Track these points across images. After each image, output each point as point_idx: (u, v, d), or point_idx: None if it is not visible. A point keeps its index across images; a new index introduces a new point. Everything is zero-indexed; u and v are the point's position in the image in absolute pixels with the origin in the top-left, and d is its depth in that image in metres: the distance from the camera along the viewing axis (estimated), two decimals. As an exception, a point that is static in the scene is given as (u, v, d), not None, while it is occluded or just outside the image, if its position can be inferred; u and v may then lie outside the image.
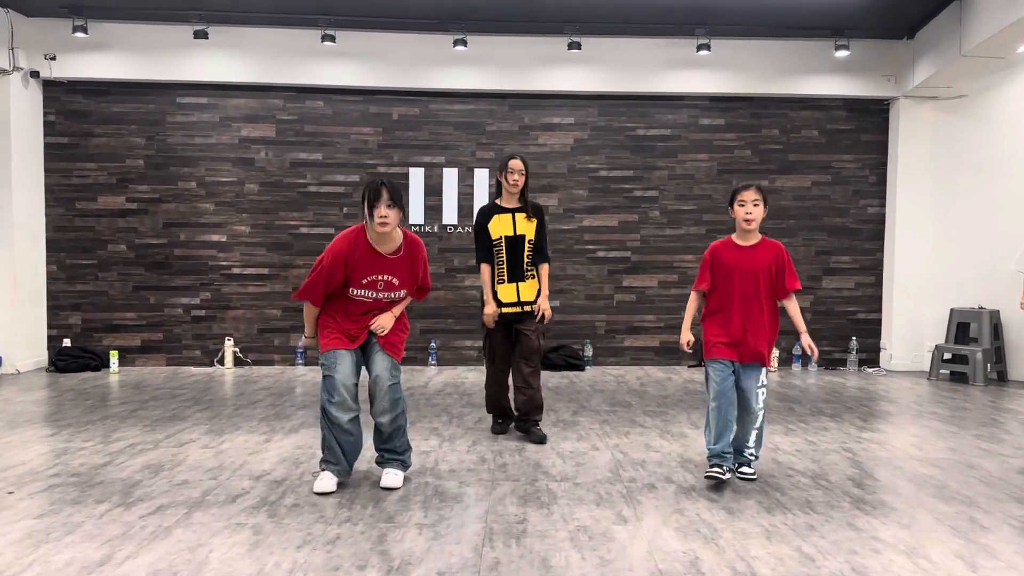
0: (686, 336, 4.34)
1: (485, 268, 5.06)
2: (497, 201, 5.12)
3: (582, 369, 8.25)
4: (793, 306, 4.27)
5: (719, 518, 3.65)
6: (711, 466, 4.19)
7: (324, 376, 3.95)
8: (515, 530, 3.47)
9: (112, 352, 7.87)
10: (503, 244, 5.01)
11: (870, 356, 8.59)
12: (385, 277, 3.97)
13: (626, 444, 5.06)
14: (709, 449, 4.25)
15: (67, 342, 8.07)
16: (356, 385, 3.98)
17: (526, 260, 5.03)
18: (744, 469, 4.27)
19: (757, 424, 4.24)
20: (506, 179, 5.02)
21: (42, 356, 8.06)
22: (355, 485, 4.10)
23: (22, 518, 3.55)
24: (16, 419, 5.62)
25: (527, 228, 5.04)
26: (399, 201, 3.87)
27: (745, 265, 4.17)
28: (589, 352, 8.42)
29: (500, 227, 5.03)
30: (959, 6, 6.99)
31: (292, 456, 4.67)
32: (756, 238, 4.24)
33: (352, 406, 3.94)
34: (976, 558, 3.21)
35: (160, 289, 8.22)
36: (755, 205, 4.16)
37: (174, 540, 3.30)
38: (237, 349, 8.20)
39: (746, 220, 4.17)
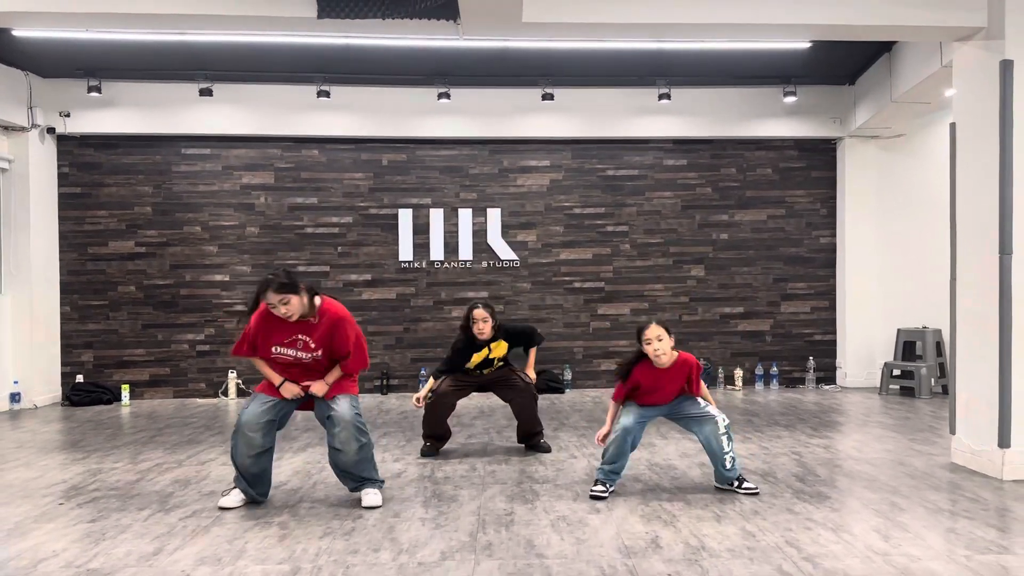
0: (606, 431, 4.63)
1: (434, 381, 5.69)
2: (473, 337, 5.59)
3: (562, 391, 8.88)
4: (703, 392, 4.69)
5: (678, 507, 4.28)
6: (596, 482, 4.56)
7: (240, 413, 4.34)
8: (504, 520, 4.08)
9: (124, 386, 8.43)
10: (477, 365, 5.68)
11: (827, 374, 9.30)
12: (302, 337, 4.29)
13: (600, 453, 5.67)
14: (601, 468, 4.60)
15: (80, 378, 8.59)
16: (267, 424, 4.30)
17: (496, 363, 5.71)
18: (747, 485, 4.52)
19: (721, 430, 4.47)
20: (472, 329, 5.52)
21: (57, 392, 8.57)
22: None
23: (77, 523, 4.10)
24: (46, 446, 6.15)
25: (499, 351, 5.67)
26: (294, 290, 4.15)
27: (663, 383, 4.54)
28: (568, 376, 9.07)
29: (477, 359, 5.62)
30: (888, 58, 7.84)
31: (303, 470, 5.24)
32: (670, 361, 4.51)
33: (254, 444, 4.26)
34: (890, 532, 3.86)
35: (167, 327, 8.78)
36: (659, 340, 4.41)
37: (213, 535, 3.88)
38: (240, 381, 8.76)
39: (656, 357, 4.45)
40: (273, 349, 4.33)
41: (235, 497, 4.37)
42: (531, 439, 5.78)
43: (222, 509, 4.29)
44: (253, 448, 4.28)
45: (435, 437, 5.71)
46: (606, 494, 4.47)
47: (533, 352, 5.89)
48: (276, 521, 4.09)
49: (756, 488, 4.53)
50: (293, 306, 4.18)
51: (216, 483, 4.88)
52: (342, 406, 4.32)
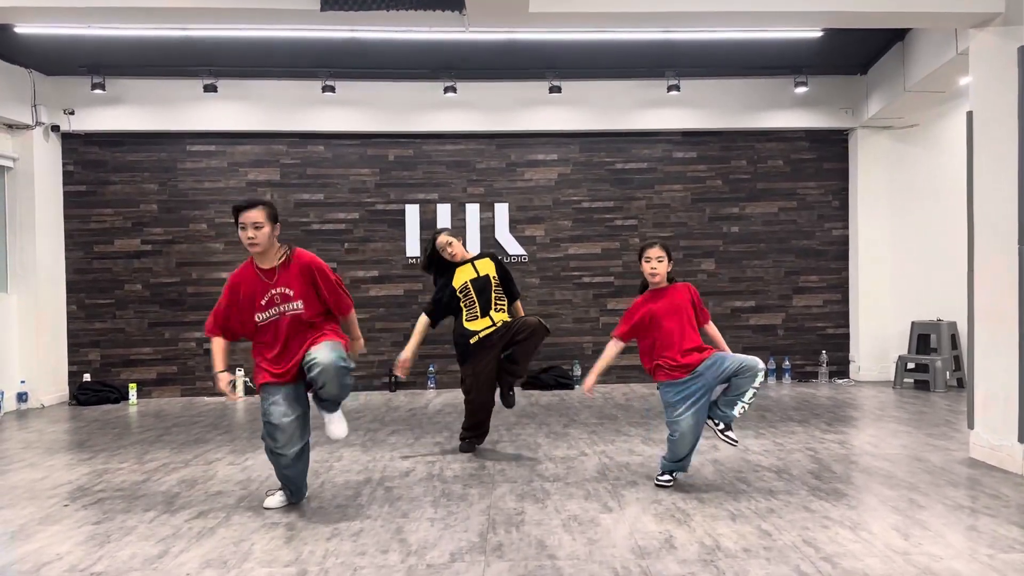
0: (591, 382, 4.60)
1: (423, 319, 5.42)
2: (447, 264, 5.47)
3: (571, 388, 8.80)
4: (712, 331, 4.62)
5: (692, 505, 4.20)
6: (662, 473, 4.58)
7: (263, 420, 4.07)
8: (515, 520, 4.01)
9: (131, 385, 8.39)
10: (470, 288, 5.35)
11: (840, 368, 9.18)
12: (279, 290, 4.05)
13: (612, 450, 5.60)
14: (668, 465, 4.56)
15: (87, 377, 8.56)
16: (297, 419, 4.06)
17: (495, 297, 5.36)
18: (730, 434, 4.43)
19: (758, 381, 4.31)
20: (445, 254, 5.39)
21: (64, 391, 8.54)
22: (370, 491, 4.63)
23: (82, 525, 4.05)
24: (52, 447, 6.11)
25: (488, 268, 5.42)
26: (271, 218, 4.01)
27: (667, 306, 4.44)
28: (578, 371, 8.98)
29: (462, 276, 5.38)
30: (901, 46, 7.71)
31: (311, 469, 5.16)
32: (665, 286, 4.53)
33: (290, 445, 4.04)
34: (910, 530, 3.77)
35: (174, 325, 8.74)
36: (659, 261, 4.44)
37: (219, 537, 3.82)
38: (247, 379, 8.70)
39: (651, 275, 4.48)
40: (257, 318, 4.08)
41: (279, 498, 4.29)
42: (507, 381, 5.46)
43: (267, 509, 4.23)
44: (290, 449, 4.06)
45: (474, 433, 5.53)
46: (672, 482, 4.57)
47: (519, 306, 5.61)
48: (283, 522, 4.03)
49: (736, 440, 4.49)
50: (262, 234, 3.99)
51: (223, 483, 4.83)
52: (322, 353, 3.93)
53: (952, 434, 5.97)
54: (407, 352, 5.39)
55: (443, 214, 8.96)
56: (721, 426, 4.48)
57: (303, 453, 4.18)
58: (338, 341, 4.10)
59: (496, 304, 5.39)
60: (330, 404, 4.12)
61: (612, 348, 4.63)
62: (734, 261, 9.14)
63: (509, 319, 5.40)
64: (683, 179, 9.15)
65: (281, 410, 4.04)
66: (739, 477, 4.76)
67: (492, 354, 5.34)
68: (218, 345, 4.21)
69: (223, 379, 4.12)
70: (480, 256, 5.57)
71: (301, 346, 4.08)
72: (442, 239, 5.43)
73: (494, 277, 5.44)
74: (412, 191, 8.98)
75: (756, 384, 4.34)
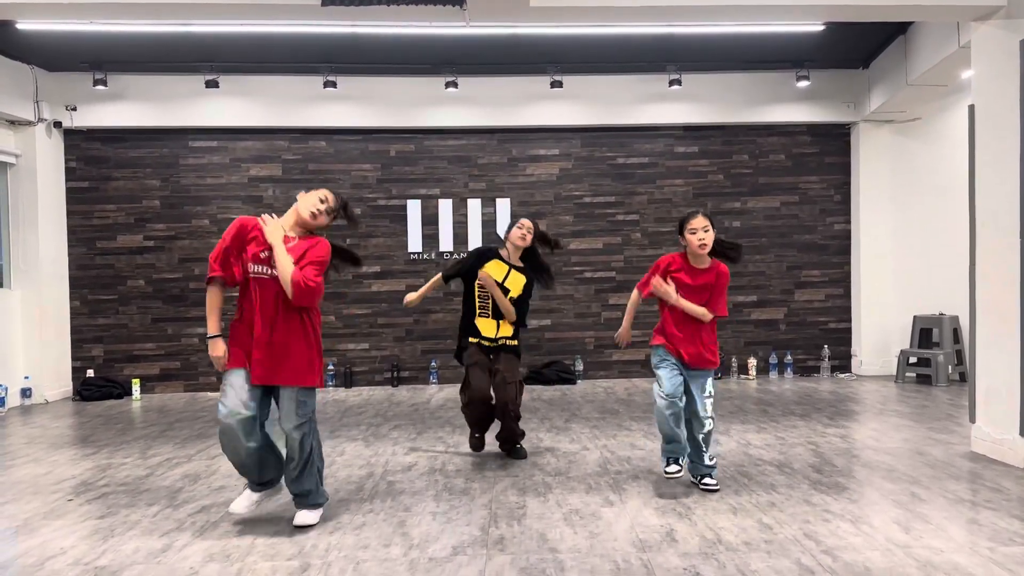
0: (626, 334, 4.79)
1: (438, 277, 5.36)
2: (500, 251, 5.28)
3: (574, 382, 8.81)
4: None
5: (693, 499, 4.21)
6: (668, 463, 4.33)
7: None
8: (516, 514, 4.02)
9: (134, 380, 8.42)
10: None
11: (842, 362, 9.18)
12: None
13: (613, 444, 5.61)
14: (666, 449, 4.38)
15: (91, 373, 8.59)
16: (252, 419, 3.69)
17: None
18: (707, 480, 4.35)
19: (705, 430, 4.29)
20: (513, 231, 5.17)
21: (67, 386, 8.57)
22: (373, 485, 4.64)
23: (86, 519, 4.07)
24: (56, 442, 6.13)
25: (515, 285, 5.19)
26: (345, 214, 4.06)
27: (695, 286, 4.28)
28: (580, 366, 8.99)
29: (493, 271, 5.15)
30: (903, 40, 7.69)
31: (314, 464, 5.19)
32: (707, 262, 4.32)
33: (239, 450, 3.70)
34: (911, 523, 3.78)
35: (177, 320, 8.76)
36: (705, 231, 4.19)
37: (222, 531, 3.84)
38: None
39: (700, 246, 4.20)
40: (250, 268, 3.76)
41: (245, 500, 3.91)
42: (508, 443, 5.26)
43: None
44: (239, 453, 3.73)
45: (481, 429, 5.33)
46: (681, 472, 4.30)
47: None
48: (286, 516, 4.03)
49: (717, 485, 4.35)
50: (327, 219, 3.96)
51: (226, 477, 4.85)
52: (285, 409, 3.74)
53: (954, 428, 5.97)
54: (414, 294, 5.33)
55: (445, 209, 8.96)
56: (699, 479, 4.41)
57: (256, 451, 3.77)
58: (311, 391, 3.82)
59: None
60: (294, 493, 3.88)
61: (633, 297, 4.64)
62: (736, 256, 9.12)
63: (511, 334, 5.19)
64: (684, 174, 9.14)
65: (233, 409, 3.67)
66: (740, 471, 4.76)
67: (483, 369, 5.12)
68: (214, 298, 3.79)
69: (219, 346, 3.76)
70: (521, 269, 5.24)
71: (273, 335, 3.76)
72: (527, 222, 5.21)
73: (513, 298, 5.17)
74: (414, 186, 8.98)
75: (705, 431, 4.31)
